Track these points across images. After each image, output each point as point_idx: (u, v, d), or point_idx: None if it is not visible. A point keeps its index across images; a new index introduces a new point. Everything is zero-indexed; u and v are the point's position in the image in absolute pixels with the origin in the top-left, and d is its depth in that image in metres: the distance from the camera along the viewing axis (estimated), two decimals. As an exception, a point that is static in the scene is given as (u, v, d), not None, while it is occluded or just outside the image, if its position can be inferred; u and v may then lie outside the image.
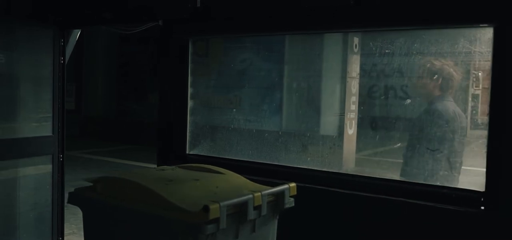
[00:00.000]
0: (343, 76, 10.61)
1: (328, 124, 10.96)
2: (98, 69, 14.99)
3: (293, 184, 2.30)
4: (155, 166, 9.27)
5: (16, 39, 4.22)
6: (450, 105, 3.18)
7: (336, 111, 10.87)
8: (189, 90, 3.57)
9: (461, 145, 3.18)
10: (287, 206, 2.27)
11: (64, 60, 4.30)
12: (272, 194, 2.19)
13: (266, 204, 2.12)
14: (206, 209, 1.84)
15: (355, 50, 10.89)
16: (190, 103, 3.57)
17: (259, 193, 2.09)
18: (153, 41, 14.07)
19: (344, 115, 10.87)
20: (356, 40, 10.83)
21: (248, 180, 2.42)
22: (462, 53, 2.62)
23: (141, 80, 14.92)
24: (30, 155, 4.20)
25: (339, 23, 2.81)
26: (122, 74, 15.44)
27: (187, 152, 3.59)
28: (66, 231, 4.53)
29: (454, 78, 3.16)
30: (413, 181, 2.74)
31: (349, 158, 11.01)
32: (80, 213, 5.98)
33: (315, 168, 3.17)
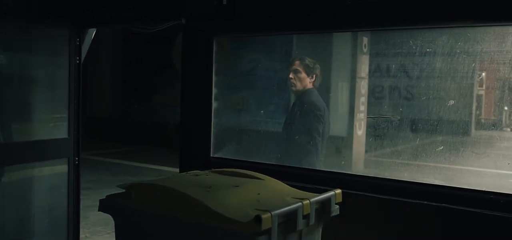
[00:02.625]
0: (353, 76, 10.51)
1: (336, 125, 10.84)
2: (102, 69, 14.86)
3: (338, 191, 2.18)
4: (164, 167, 9.12)
5: (31, 39, 4.10)
6: (320, 98, 3.83)
7: (346, 112, 10.76)
8: (213, 91, 3.45)
9: (326, 130, 3.83)
10: (333, 214, 2.14)
11: (80, 60, 4.18)
12: (319, 201, 2.06)
13: (314, 212, 2.00)
14: (258, 219, 1.71)
15: (365, 50, 10.79)
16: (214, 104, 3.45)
17: (308, 201, 1.97)
18: (157, 41, 13.93)
19: (353, 116, 10.76)
20: (365, 40, 10.73)
21: (287, 186, 2.30)
22: (511, 51, 2.50)
23: (146, 80, 14.79)
24: (46, 158, 4.08)
25: (381, 20, 2.68)
26: (126, 74, 15.30)
27: (211, 155, 3.46)
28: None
29: (320, 78, 3.88)
30: (457, 186, 2.61)
31: (359, 159, 10.92)
32: (91, 217, 5.87)
33: (347, 172, 3.04)
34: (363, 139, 10.69)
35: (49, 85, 4.20)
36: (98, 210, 2.25)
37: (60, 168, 4.18)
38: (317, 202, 2.04)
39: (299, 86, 3.79)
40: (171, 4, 3.50)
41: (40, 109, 4.16)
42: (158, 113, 14.35)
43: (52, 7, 4.00)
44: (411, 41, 2.81)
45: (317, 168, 3.13)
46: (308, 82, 3.79)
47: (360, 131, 10.61)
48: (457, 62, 2.66)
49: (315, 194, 2.12)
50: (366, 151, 10.80)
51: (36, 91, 4.12)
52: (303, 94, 3.82)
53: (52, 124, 4.18)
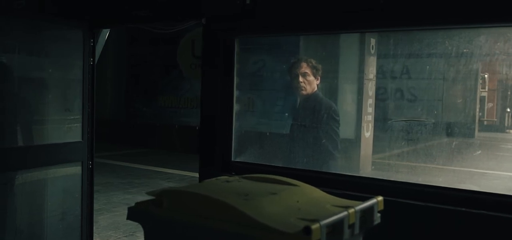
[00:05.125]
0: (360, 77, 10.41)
1: (344, 126, 10.74)
2: (108, 70, 14.74)
3: (380, 198, 2.07)
4: (170, 170, 9.05)
5: (44, 40, 4.01)
6: None
7: (353, 113, 10.68)
8: (235, 93, 3.34)
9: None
10: (375, 223, 2.04)
11: (94, 61, 4.07)
12: (362, 210, 1.96)
13: (358, 221, 1.90)
14: (307, 230, 1.61)
15: (372, 51, 10.68)
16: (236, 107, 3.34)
17: (353, 210, 1.86)
18: (163, 42, 13.83)
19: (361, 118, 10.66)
20: (373, 41, 10.62)
21: (324, 193, 2.19)
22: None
23: (150, 81, 14.67)
24: (59, 162, 3.98)
25: (415, 19, 2.58)
26: (131, 76, 15.18)
27: (232, 159, 3.36)
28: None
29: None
30: (493, 192, 2.51)
31: (366, 161, 10.83)
32: (101, 221, 5.77)
33: (378, 177, 2.94)
34: (370, 141, 10.60)
35: (63, 87, 4.12)
36: (127, 219, 2.14)
37: (73, 172, 4.08)
38: (361, 210, 1.94)
39: (309, 89, 3.66)
40: (191, 3, 3.40)
41: (54, 111, 4.07)
42: (163, 115, 14.24)
43: (65, 7, 3.90)
44: (447, 42, 2.71)
45: (348, 174, 3.02)
46: (315, 83, 3.67)
47: (367, 133, 10.52)
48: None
49: (356, 201, 2.01)
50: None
51: (50, 93, 4.03)
52: (312, 97, 3.68)
53: (65, 127, 4.08)
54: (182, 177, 9.32)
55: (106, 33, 4.30)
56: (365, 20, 2.76)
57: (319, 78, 3.69)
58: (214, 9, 3.28)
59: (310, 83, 3.65)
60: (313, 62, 3.69)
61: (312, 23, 2.98)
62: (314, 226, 1.62)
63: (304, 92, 3.67)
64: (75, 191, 4.08)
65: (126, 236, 5.47)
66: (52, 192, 4.07)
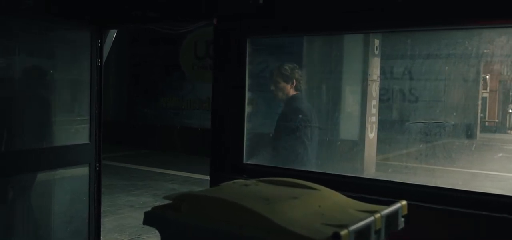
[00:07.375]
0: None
1: (348, 128, 10.71)
2: (109, 71, 14.67)
3: (404, 202, 2.02)
4: (173, 171, 8.94)
5: (51, 41, 3.95)
6: (306, 103, 4.01)
7: (357, 115, 10.62)
8: (247, 94, 3.29)
9: (315, 133, 3.92)
10: (399, 227, 1.99)
11: (101, 62, 4.02)
12: (387, 215, 1.90)
13: (384, 226, 1.84)
14: (336, 236, 1.56)
15: (376, 52, 10.62)
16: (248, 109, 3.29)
17: (379, 215, 1.81)
18: (164, 43, 13.77)
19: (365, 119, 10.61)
20: (376, 42, 10.56)
21: (344, 196, 2.14)
22: None
23: (152, 82, 14.59)
24: (67, 165, 3.92)
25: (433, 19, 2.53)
26: (132, 76, 15.11)
27: (244, 162, 3.31)
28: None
29: (302, 79, 3.91)
30: (503, 194, 2.47)
31: (370, 163, 10.76)
32: (106, 224, 5.69)
33: (395, 181, 2.89)
34: (374, 142, 10.54)
35: (70, 88, 4.07)
36: (143, 223, 2.09)
37: (80, 174, 4.03)
38: (386, 215, 1.88)
39: (281, 95, 3.88)
40: (202, 3, 3.35)
41: (61, 113, 4.02)
42: (164, 116, 14.17)
43: (73, 8, 3.85)
44: (467, 42, 2.66)
45: (362, 176, 2.97)
46: (289, 88, 3.84)
47: (371, 135, 10.46)
48: None
49: (380, 206, 1.96)
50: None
51: (57, 95, 3.98)
52: (288, 101, 3.88)
53: (73, 128, 4.03)
54: (186, 178, 9.26)
55: (113, 34, 4.25)
56: (383, 19, 2.71)
57: (294, 82, 3.86)
58: (225, 9, 3.23)
59: (282, 89, 3.87)
60: (284, 69, 3.90)
61: (329, 23, 2.93)
62: (343, 232, 1.57)
63: (278, 98, 3.94)
64: (82, 193, 4.03)
65: (131, 238, 5.41)
66: (59, 194, 4.03)
